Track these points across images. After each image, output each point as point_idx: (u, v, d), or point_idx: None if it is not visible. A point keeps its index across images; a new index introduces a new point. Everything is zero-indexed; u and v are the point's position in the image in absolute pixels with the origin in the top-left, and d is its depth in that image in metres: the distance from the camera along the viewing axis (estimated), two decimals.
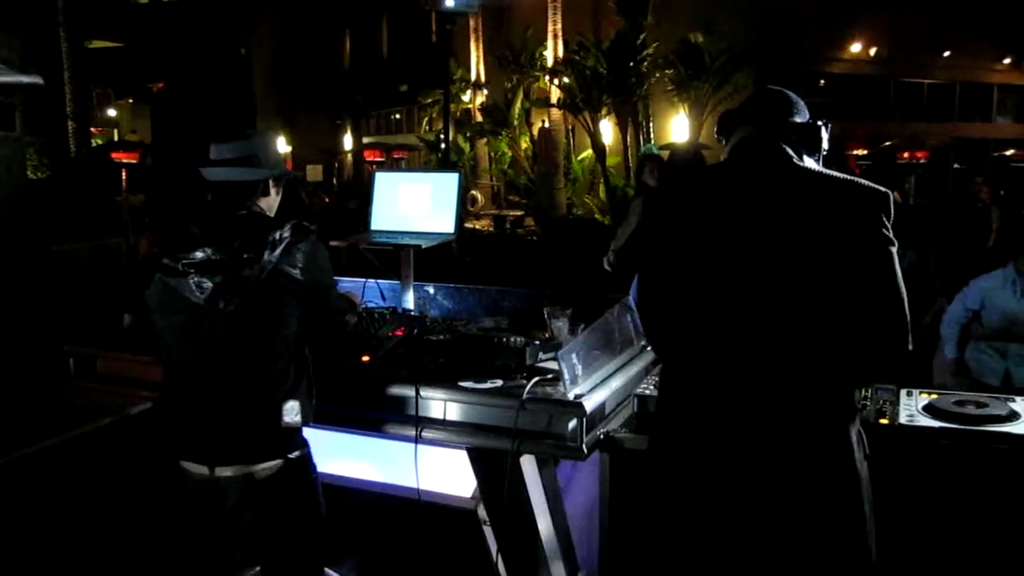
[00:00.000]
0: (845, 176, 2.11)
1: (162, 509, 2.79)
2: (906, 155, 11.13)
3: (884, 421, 2.62)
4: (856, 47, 23.09)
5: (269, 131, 2.82)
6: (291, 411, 2.44)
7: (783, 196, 2.10)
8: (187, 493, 2.52)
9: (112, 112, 34.76)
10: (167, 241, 2.51)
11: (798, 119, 2.23)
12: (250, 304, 2.40)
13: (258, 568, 2.57)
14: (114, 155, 12.02)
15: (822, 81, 23.39)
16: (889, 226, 2.03)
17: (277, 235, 2.43)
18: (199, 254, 2.40)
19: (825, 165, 2.26)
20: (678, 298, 2.19)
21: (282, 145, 22.62)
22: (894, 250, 2.03)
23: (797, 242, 2.05)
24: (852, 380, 2.15)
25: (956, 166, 23.55)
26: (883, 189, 2.07)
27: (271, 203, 2.65)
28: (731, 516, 2.13)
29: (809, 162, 2.23)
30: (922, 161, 10.89)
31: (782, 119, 2.22)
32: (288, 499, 2.50)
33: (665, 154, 7.00)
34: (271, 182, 2.62)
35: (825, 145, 2.26)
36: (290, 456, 2.47)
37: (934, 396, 2.77)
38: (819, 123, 2.23)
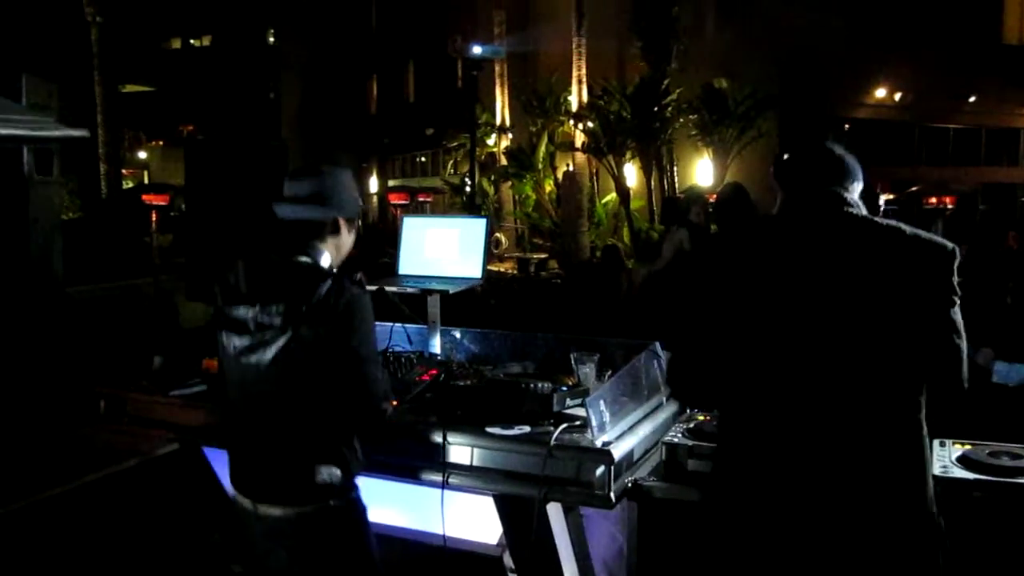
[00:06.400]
0: (913, 230, 2.15)
1: (188, 548, 2.80)
2: (933, 200, 11.11)
3: None
4: (881, 92, 23.08)
5: (345, 169, 2.74)
6: (327, 473, 2.42)
7: (852, 248, 2.13)
8: (237, 523, 2.54)
9: (143, 155, 35.44)
10: (220, 289, 2.52)
11: (860, 182, 2.29)
12: (281, 362, 2.41)
13: None
14: (144, 197, 12.26)
15: (847, 126, 23.37)
16: (955, 281, 2.10)
17: (314, 298, 2.37)
18: (240, 311, 2.45)
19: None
20: (735, 350, 2.19)
21: None
22: (958, 302, 2.10)
23: (867, 294, 2.08)
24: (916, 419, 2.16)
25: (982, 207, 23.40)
26: (951, 245, 2.13)
27: (340, 243, 2.58)
28: (807, 567, 2.13)
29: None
30: (949, 206, 10.86)
31: (849, 180, 2.27)
32: (329, 546, 2.46)
33: (694, 195, 7.21)
34: (341, 221, 2.57)
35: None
36: (330, 503, 2.44)
37: (968, 447, 2.73)
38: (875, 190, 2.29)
